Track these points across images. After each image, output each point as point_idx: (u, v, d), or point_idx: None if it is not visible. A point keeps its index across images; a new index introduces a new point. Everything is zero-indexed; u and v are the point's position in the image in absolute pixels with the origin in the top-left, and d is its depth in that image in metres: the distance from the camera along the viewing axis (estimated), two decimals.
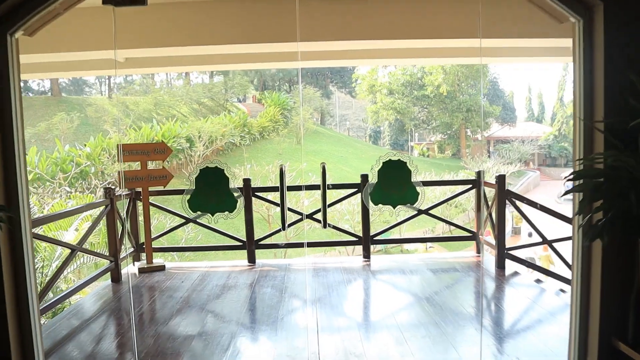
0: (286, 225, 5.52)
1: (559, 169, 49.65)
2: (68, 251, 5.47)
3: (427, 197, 23.98)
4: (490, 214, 6.35)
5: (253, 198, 6.55)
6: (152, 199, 6.54)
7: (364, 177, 6.62)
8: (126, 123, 28.22)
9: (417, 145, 51.38)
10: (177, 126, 25.62)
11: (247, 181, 6.54)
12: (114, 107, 32.27)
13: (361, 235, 6.77)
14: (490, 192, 6.59)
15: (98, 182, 19.61)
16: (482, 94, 43.66)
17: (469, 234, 6.95)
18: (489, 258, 6.69)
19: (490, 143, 50.11)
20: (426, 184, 6.62)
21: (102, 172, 21.11)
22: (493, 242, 6.38)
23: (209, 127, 26.53)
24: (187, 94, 35.95)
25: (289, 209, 7.23)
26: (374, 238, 6.79)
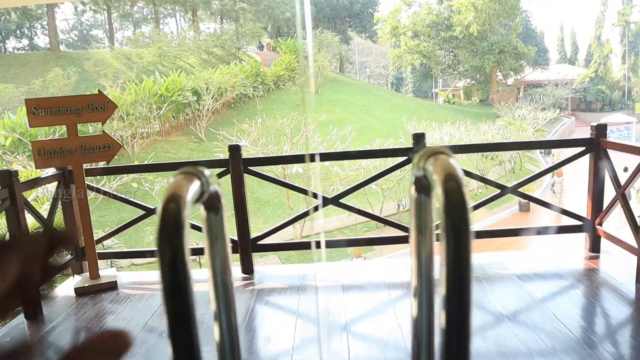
0: None
1: (594, 113, 46.40)
2: None
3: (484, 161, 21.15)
4: (622, 195, 3.98)
5: (247, 176, 4.26)
6: (91, 181, 4.30)
7: (418, 138, 4.26)
8: (129, 77, 25.92)
9: (442, 91, 48.44)
10: (182, 78, 23.23)
11: (235, 149, 4.22)
12: (115, 59, 29.88)
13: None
14: (617, 158, 4.21)
15: None
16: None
17: (577, 222, 4.52)
18: (616, 262, 4.36)
19: (520, 88, 46.86)
20: (521, 146, 4.03)
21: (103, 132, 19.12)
22: (623, 238, 4.06)
23: (217, 78, 24.11)
24: (194, 42, 33.31)
25: (298, 189, 4.99)
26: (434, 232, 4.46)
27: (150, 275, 4.69)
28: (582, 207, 5.17)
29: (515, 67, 40.63)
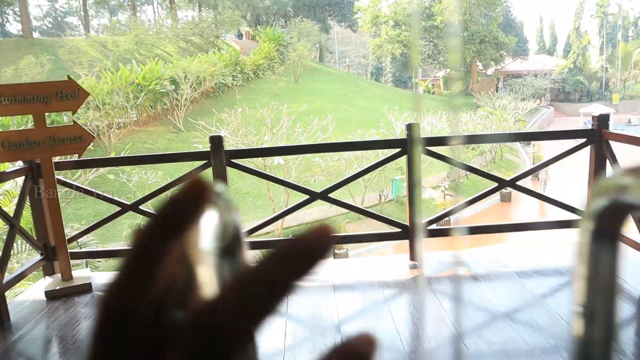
0: None
1: (573, 104, 46.83)
2: None
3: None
4: None
5: (230, 169, 3.99)
6: (65, 174, 3.99)
7: (412, 129, 4.02)
8: (104, 65, 25.25)
9: (422, 81, 48.37)
10: (159, 66, 22.69)
11: (217, 140, 3.94)
12: (91, 47, 29.11)
13: (407, 224, 4.18)
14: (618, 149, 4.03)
15: None
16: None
17: (578, 217, 4.34)
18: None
19: (500, 78, 47.02)
20: (517, 137, 3.83)
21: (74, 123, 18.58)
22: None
23: (195, 67, 23.61)
24: (172, 30, 32.65)
25: (283, 183, 4.75)
26: (429, 228, 4.21)
27: None
28: (570, 196, 5.03)
29: (496, 57, 40.71)
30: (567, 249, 4.46)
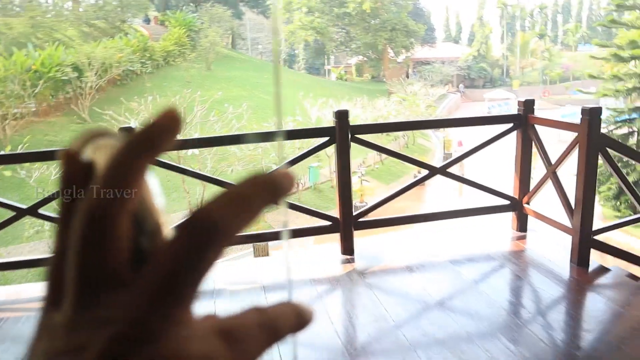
0: None
1: (478, 89, 49.01)
2: None
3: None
4: (554, 173, 3.81)
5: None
6: None
7: (342, 116, 3.80)
8: None
9: (335, 68, 48.69)
10: (60, 52, 21.13)
11: (127, 132, 3.55)
12: None
13: (338, 216, 3.97)
14: (547, 135, 4.04)
15: None
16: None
17: (505, 202, 4.30)
18: (547, 241, 4.21)
19: (410, 65, 48.29)
20: (446, 123, 3.74)
21: None
22: (554, 217, 3.91)
23: (100, 53, 22.19)
24: (73, 12, 30.61)
25: (201, 177, 4.41)
26: (360, 220, 4.01)
27: (28, 289, 3.88)
28: (489, 178, 5.07)
29: (406, 44, 41.66)
30: (496, 235, 4.45)
